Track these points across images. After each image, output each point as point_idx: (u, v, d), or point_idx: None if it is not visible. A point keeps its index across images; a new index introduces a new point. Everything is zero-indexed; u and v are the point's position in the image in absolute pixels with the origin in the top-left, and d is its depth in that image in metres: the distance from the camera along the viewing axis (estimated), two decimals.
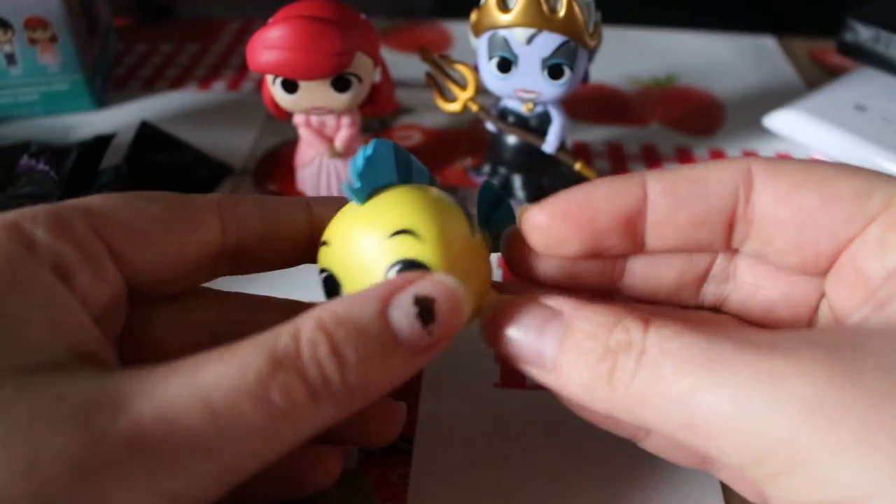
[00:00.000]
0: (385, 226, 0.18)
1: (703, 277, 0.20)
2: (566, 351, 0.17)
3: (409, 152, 0.20)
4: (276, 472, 0.20)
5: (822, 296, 0.19)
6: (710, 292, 0.21)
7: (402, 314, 0.16)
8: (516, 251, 0.20)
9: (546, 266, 0.20)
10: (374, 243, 0.18)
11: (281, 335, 0.15)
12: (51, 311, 0.15)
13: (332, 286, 0.19)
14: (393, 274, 0.17)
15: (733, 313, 0.21)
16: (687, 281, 0.20)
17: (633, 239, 0.19)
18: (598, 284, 0.20)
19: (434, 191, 0.19)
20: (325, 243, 0.19)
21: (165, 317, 0.20)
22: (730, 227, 0.18)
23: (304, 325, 0.15)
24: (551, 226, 0.19)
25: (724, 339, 0.15)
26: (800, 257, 0.18)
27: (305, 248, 0.21)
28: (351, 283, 0.18)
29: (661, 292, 0.21)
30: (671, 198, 0.18)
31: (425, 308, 0.16)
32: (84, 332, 0.16)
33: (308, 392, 0.15)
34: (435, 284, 0.16)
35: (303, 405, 0.15)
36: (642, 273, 0.20)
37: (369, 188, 0.19)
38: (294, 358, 0.15)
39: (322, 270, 0.19)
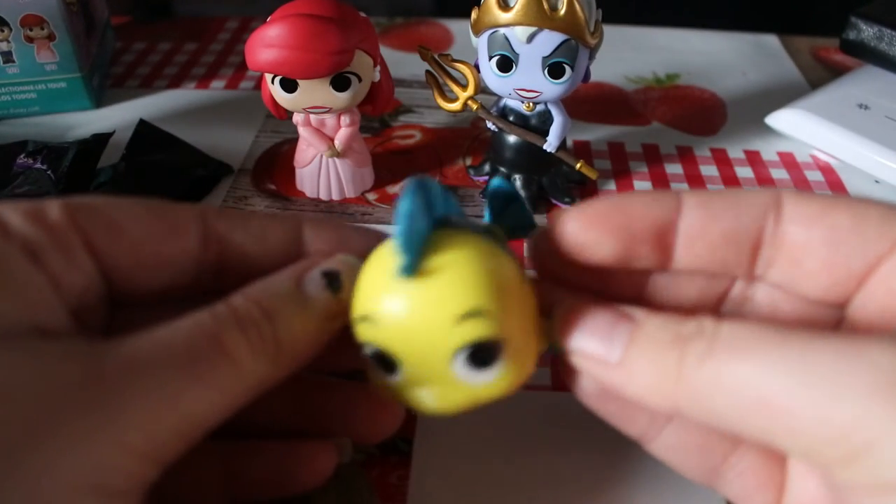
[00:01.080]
0: (451, 308, 0.16)
1: (723, 299, 0.20)
2: (635, 343, 0.17)
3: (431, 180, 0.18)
4: (267, 469, 0.20)
5: (840, 322, 0.19)
6: (727, 315, 0.20)
7: (314, 285, 0.19)
8: (545, 253, 0.19)
9: (573, 272, 0.19)
10: (439, 327, 0.16)
11: (216, 306, 0.17)
12: (17, 287, 0.16)
13: (387, 364, 0.18)
14: (463, 360, 0.17)
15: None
16: (706, 302, 0.20)
17: (663, 253, 0.19)
18: (622, 297, 0.20)
19: (487, 244, 0.18)
20: (366, 319, 0.17)
21: (150, 321, 0.20)
22: (756, 249, 0.19)
23: (234, 298, 0.18)
24: (587, 227, 0.19)
25: (795, 327, 0.15)
26: (831, 277, 0.18)
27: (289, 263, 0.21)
28: (414, 364, 0.17)
29: (679, 312, 0.20)
30: (705, 211, 0.18)
31: (332, 279, 0.19)
32: (49, 311, 0.17)
33: (248, 344, 0.17)
34: (338, 262, 0.19)
35: (246, 356, 0.17)
36: (664, 291, 0.20)
37: (420, 256, 0.17)
38: (233, 318, 0.17)
39: (366, 344, 0.18)
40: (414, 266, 0.16)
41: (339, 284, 0.19)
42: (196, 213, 0.20)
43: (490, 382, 0.17)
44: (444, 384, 0.18)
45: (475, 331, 0.16)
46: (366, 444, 0.23)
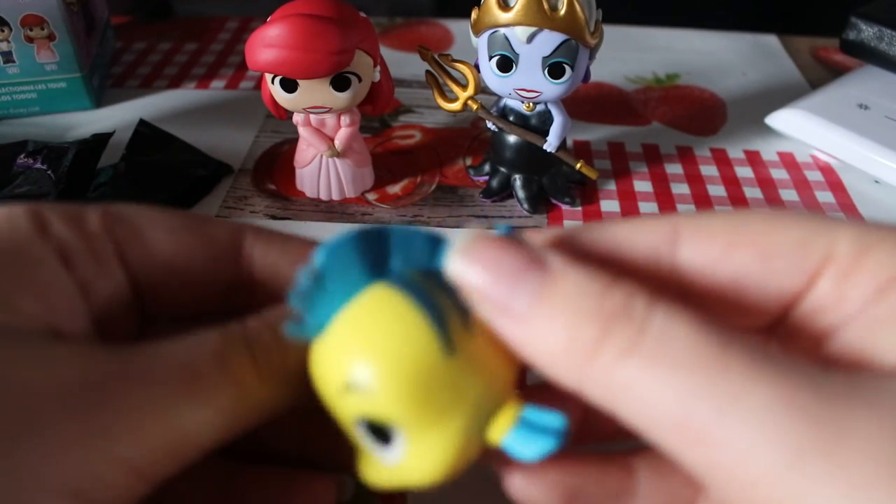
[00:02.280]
0: (335, 377, 0.15)
1: None
2: (545, 301, 0.14)
3: (394, 227, 0.16)
4: (265, 497, 0.19)
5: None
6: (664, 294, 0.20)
7: None
8: None
9: None
10: (331, 394, 0.15)
11: (231, 325, 0.17)
12: (42, 287, 0.16)
13: (381, 435, 0.15)
14: (364, 431, 0.15)
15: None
16: None
17: None
18: None
19: (391, 300, 0.15)
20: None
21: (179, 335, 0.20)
22: (666, 280, 0.17)
23: (251, 319, 0.17)
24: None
25: (736, 338, 0.14)
26: (741, 313, 0.16)
27: None
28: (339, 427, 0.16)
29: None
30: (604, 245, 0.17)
31: None
32: (70, 315, 0.17)
33: (254, 368, 0.16)
34: None
35: (251, 379, 0.16)
36: None
37: (319, 318, 0.15)
38: (243, 339, 0.17)
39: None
40: (308, 327, 0.15)
41: None
42: (233, 231, 0.19)
43: (402, 464, 0.15)
44: (364, 456, 0.16)
45: (358, 405, 0.15)
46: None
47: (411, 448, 0.15)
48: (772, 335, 0.17)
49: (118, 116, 0.41)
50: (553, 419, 0.15)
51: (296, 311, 0.15)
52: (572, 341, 0.14)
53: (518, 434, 0.15)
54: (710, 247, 0.16)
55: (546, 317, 0.14)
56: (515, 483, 0.17)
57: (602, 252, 0.17)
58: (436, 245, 0.16)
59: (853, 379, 0.14)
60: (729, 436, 0.13)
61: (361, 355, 0.15)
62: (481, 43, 0.31)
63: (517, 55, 0.30)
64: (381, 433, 0.15)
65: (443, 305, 0.15)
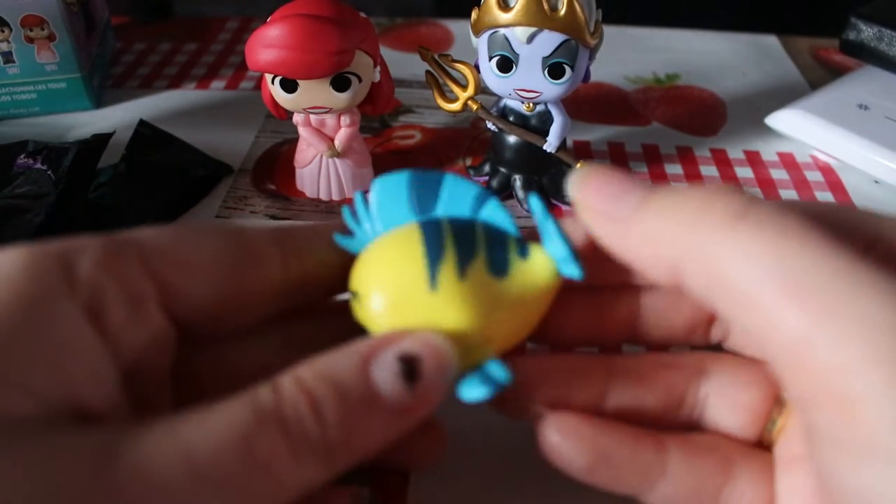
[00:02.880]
0: (351, 286, 0.18)
1: (713, 318, 0.20)
2: (647, 203, 0.16)
3: (447, 174, 0.19)
4: None
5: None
6: (718, 331, 0.20)
7: (385, 373, 0.16)
8: None
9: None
10: (351, 301, 0.18)
11: (261, 392, 0.15)
12: (61, 358, 0.14)
13: None
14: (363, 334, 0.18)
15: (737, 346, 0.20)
16: (698, 322, 0.20)
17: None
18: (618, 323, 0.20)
19: (409, 238, 0.18)
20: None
21: (226, 355, 0.19)
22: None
23: (284, 381, 0.15)
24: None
25: (839, 241, 0.14)
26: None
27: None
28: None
29: (674, 337, 0.20)
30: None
31: (409, 367, 0.16)
32: (92, 382, 0.15)
33: (290, 449, 0.14)
34: (421, 343, 0.16)
35: (285, 462, 0.14)
36: (655, 314, 0.20)
37: (361, 238, 0.19)
38: (276, 414, 0.15)
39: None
40: (349, 241, 0.19)
41: (415, 375, 0.16)
42: (274, 237, 0.18)
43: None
44: None
45: (357, 312, 0.18)
46: (409, 469, 0.22)
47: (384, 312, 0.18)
48: None
49: (118, 117, 0.41)
50: (501, 374, 0.17)
51: (347, 226, 0.19)
52: (672, 219, 0.15)
53: (470, 379, 0.17)
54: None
55: (648, 211, 0.16)
56: (550, 437, 0.18)
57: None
58: (482, 200, 0.18)
59: None
60: (822, 321, 0.13)
61: (364, 275, 0.18)
62: (481, 43, 0.31)
63: (517, 55, 0.30)
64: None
65: (446, 251, 0.17)
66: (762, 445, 0.19)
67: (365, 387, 0.15)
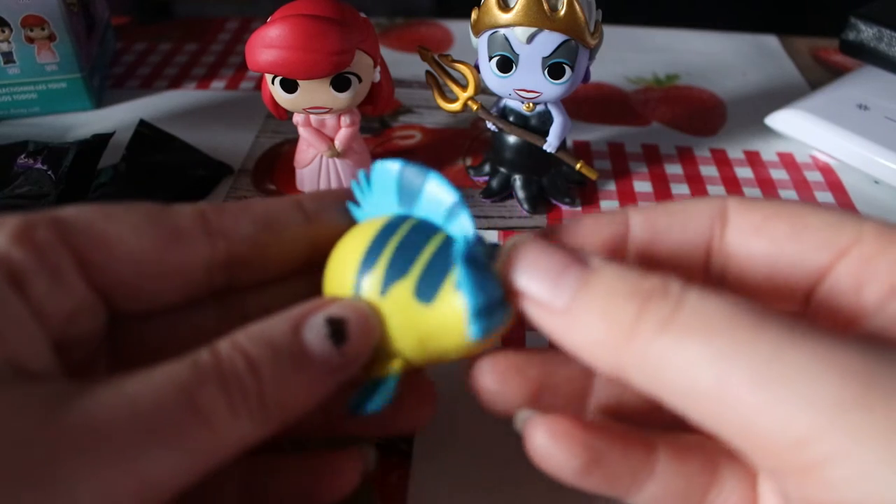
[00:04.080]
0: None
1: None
2: (587, 289, 0.16)
3: (429, 170, 0.18)
4: (288, 485, 0.19)
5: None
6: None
7: (315, 334, 0.17)
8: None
9: None
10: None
11: (201, 353, 0.16)
12: None
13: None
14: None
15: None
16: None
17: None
18: None
19: (365, 229, 0.19)
20: None
21: (160, 329, 0.19)
22: (706, 263, 0.18)
23: (222, 343, 0.16)
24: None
25: (771, 310, 0.14)
26: (775, 293, 0.17)
27: (306, 251, 0.20)
28: None
29: None
30: (651, 230, 0.18)
31: (337, 329, 0.17)
32: (26, 344, 0.16)
33: (227, 402, 0.15)
34: (348, 308, 0.17)
35: (222, 415, 0.15)
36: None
37: (358, 214, 0.20)
38: (215, 370, 0.16)
39: None
40: (356, 211, 0.20)
41: (343, 336, 0.17)
42: (196, 213, 0.19)
43: None
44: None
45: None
46: (400, 435, 0.23)
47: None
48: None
49: (118, 117, 0.41)
50: (384, 396, 0.18)
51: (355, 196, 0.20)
52: (611, 324, 0.15)
53: (364, 388, 0.18)
54: (752, 217, 0.17)
55: (586, 306, 0.16)
56: (538, 440, 0.18)
57: (662, 225, 0.18)
58: (454, 213, 0.18)
59: (887, 346, 0.14)
60: (766, 397, 0.13)
61: (329, 257, 0.19)
62: (481, 43, 0.31)
63: (517, 56, 0.30)
64: None
65: (377, 264, 0.18)
66: None
67: (297, 347, 0.17)
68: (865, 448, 0.13)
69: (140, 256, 0.18)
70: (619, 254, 0.18)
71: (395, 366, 0.18)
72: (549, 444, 0.17)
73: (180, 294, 0.19)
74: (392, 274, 0.17)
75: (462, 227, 0.17)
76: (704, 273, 0.18)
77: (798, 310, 0.18)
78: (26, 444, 0.14)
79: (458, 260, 0.16)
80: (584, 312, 0.16)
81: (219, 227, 0.19)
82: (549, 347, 0.18)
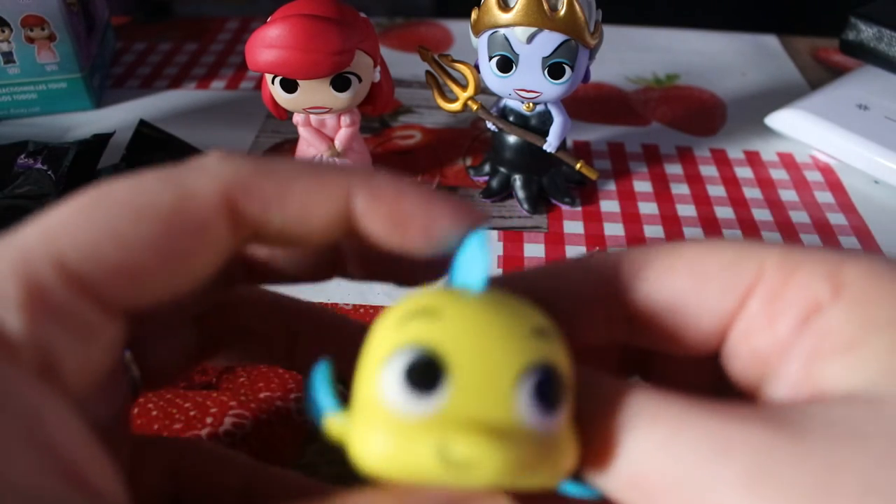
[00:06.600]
0: (522, 319, 0.14)
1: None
2: None
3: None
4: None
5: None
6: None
7: None
8: None
9: None
10: (510, 335, 0.13)
11: None
12: (37, 434, 0.12)
13: (427, 377, 0.13)
14: (529, 389, 0.13)
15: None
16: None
17: None
18: None
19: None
20: (424, 311, 0.13)
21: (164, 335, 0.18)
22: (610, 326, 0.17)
23: None
24: None
25: (672, 395, 0.14)
26: (682, 343, 0.16)
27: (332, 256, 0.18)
28: (470, 381, 0.13)
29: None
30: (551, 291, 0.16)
31: None
32: (76, 448, 0.12)
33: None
34: None
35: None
36: None
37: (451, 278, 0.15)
38: None
39: (407, 346, 0.13)
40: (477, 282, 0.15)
41: None
42: (219, 200, 0.14)
43: (552, 433, 0.13)
44: (501, 419, 0.13)
45: (543, 350, 0.13)
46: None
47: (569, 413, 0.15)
48: (716, 382, 0.17)
49: (118, 117, 0.41)
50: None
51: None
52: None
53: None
54: (649, 273, 0.16)
55: None
56: None
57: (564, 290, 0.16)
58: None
59: (782, 409, 0.14)
60: (672, 470, 0.13)
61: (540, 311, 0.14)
62: (481, 43, 0.31)
63: (517, 55, 0.30)
64: (544, 392, 0.14)
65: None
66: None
67: None
68: None
69: (156, 276, 0.14)
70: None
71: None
72: None
73: (204, 295, 0.17)
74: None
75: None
76: (609, 335, 0.17)
77: (713, 356, 0.17)
78: None
79: None
80: None
81: (245, 218, 0.15)
82: None
